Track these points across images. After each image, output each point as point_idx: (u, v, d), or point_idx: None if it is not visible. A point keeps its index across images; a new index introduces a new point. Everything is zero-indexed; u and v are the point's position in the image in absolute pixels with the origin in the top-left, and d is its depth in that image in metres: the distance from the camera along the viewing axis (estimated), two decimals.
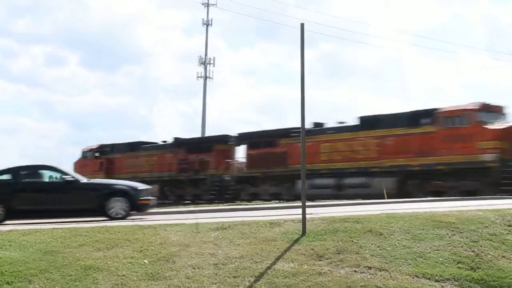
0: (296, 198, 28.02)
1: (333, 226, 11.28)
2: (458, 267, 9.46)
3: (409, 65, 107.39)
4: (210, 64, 67.16)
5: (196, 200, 38.38)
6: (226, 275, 9.10)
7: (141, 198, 17.47)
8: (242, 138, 37.65)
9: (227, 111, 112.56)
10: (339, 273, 9.16)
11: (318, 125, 33.81)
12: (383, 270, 9.26)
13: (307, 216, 11.27)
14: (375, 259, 9.62)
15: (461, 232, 10.85)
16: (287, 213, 14.35)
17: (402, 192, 28.50)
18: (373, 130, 30.53)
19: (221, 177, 38.15)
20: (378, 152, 30.18)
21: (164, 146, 43.04)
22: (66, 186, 17.13)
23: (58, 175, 17.46)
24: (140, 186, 18.00)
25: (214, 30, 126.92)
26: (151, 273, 9.20)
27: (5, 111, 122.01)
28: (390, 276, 9.06)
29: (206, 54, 67.34)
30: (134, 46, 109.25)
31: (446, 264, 9.55)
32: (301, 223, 11.11)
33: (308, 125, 30.71)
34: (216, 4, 67.55)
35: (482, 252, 10.05)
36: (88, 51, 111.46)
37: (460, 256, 9.84)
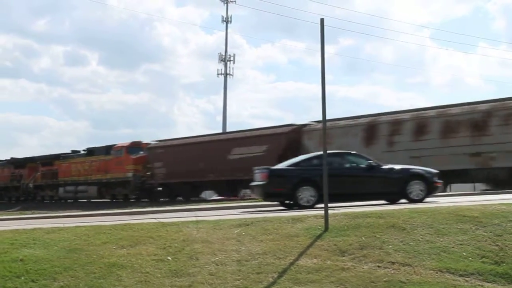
0: (59, 198, 50.29)
1: (356, 222, 11.25)
2: (482, 262, 9.40)
3: (430, 59, 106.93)
4: (230, 61, 67.48)
5: (18, 200, 54.39)
6: (250, 271, 9.11)
7: (435, 180, 18.44)
8: (40, 159, 54.03)
9: (247, 108, 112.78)
10: (363, 268, 9.14)
11: (74, 151, 51.59)
12: (406, 265, 9.23)
13: (329, 211, 11.25)
14: (398, 254, 9.59)
15: (485, 226, 10.78)
16: (309, 209, 14.34)
17: (100, 196, 46.35)
18: (90, 156, 47.72)
19: (28, 185, 54.20)
20: (92, 170, 47.00)
21: (4, 164, 58.63)
22: (371, 171, 18.23)
23: (362, 160, 18.54)
24: (433, 170, 18.88)
25: (234, 26, 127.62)
26: (174, 270, 9.23)
27: (27, 109, 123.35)
28: (414, 271, 9.02)
29: (226, 51, 67.65)
30: (153, 44, 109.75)
31: (470, 258, 9.49)
32: (323, 219, 11.09)
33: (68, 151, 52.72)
34: (235, 1, 68.05)
35: (506, 246, 9.98)
36: (107, 50, 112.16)
37: (484, 251, 9.77)
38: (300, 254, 9.66)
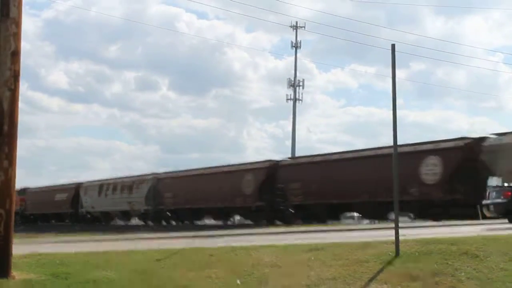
0: None
1: (427, 248, 11.07)
2: None
3: (503, 83, 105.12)
4: (299, 86, 67.80)
5: None
6: None
7: None
8: None
9: (317, 132, 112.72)
10: None
11: None
12: None
13: (400, 237, 11.10)
14: (471, 282, 9.37)
15: None
16: (379, 235, 14.19)
17: None
18: None
19: None
20: None
21: None
22: None
23: None
24: None
25: (303, 51, 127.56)
26: None
27: (99, 134, 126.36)
28: None
29: (295, 77, 68.04)
30: (223, 69, 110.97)
31: None
32: (393, 245, 10.95)
33: None
34: (304, 27, 68.43)
35: None
36: (178, 75, 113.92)
37: None
38: (370, 280, 9.54)
